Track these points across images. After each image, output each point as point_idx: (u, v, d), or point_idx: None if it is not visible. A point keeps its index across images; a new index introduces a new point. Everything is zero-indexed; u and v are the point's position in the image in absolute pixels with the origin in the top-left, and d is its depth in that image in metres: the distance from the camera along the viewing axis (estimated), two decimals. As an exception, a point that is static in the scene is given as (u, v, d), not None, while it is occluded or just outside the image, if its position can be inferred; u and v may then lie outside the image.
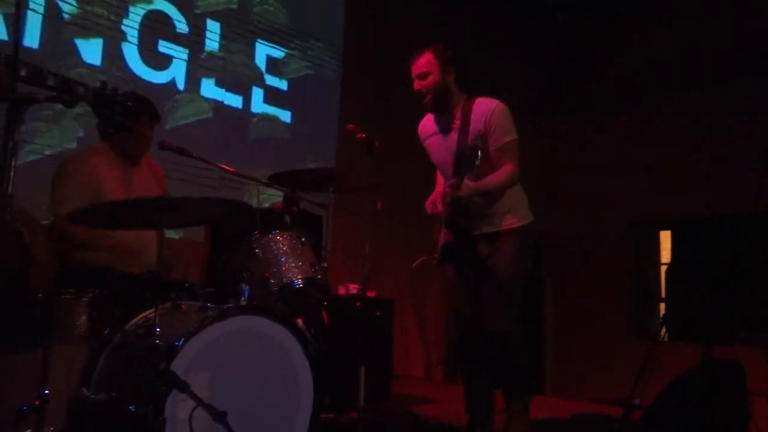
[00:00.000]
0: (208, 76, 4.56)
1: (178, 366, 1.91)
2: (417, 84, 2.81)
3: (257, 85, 4.83)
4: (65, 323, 2.16)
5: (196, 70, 4.49)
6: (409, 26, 5.30)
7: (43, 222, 2.88)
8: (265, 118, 4.85)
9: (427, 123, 2.96)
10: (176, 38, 4.40)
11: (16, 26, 1.43)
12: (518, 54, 6.18)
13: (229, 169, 3.06)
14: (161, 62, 4.33)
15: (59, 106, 1.67)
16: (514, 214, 2.82)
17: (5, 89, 1.50)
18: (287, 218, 2.75)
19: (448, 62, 2.79)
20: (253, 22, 4.84)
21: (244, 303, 2.18)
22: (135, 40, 4.22)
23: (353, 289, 4.26)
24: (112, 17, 4.12)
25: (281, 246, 2.60)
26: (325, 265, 2.75)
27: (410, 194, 3.13)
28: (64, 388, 2.07)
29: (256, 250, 2.57)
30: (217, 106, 4.58)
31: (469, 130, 2.75)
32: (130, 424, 1.91)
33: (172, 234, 3.95)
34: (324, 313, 3.39)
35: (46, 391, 2.03)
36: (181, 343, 1.95)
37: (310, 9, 5.17)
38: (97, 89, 1.70)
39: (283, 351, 2.20)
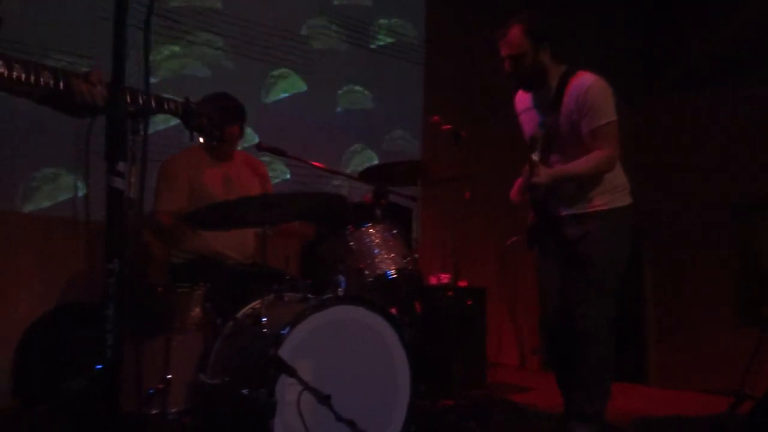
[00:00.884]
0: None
1: (284, 353, 2.04)
2: (508, 66, 2.57)
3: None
4: (182, 314, 2.37)
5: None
6: (495, 7, 5.21)
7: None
8: (352, 90, 4.78)
9: (523, 96, 2.73)
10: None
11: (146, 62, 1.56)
12: (608, 31, 5.96)
13: (321, 166, 3.18)
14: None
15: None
16: (606, 196, 2.56)
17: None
18: (378, 212, 2.84)
19: (541, 37, 2.53)
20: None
21: (341, 293, 2.29)
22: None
23: (444, 278, 4.29)
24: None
25: (374, 238, 2.70)
26: (417, 255, 2.81)
27: (498, 182, 3.13)
28: (183, 373, 2.28)
29: (351, 243, 2.67)
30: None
31: (561, 110, 2.52)
32: (244, 407, 2.07)
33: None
34: (417, 303, 3.46)
35: (169, 376, 2.25)
36: (286, 331, 2.08)
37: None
38: (184, 104, 1.79)
39: (381, 339, 2.29)
